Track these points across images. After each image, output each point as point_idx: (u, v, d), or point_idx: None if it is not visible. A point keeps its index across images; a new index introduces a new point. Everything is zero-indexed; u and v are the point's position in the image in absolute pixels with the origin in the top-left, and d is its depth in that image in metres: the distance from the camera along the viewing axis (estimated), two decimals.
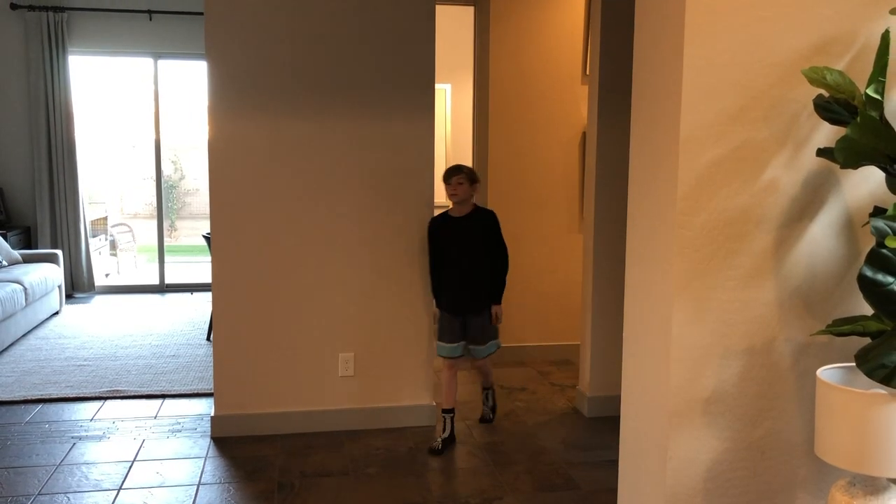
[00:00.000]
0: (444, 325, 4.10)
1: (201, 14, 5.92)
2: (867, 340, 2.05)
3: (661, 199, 2.37)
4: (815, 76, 2.09)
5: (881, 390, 1.91)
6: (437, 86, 6.81)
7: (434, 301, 4.19)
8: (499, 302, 4.13)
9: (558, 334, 5.64)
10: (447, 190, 4.00)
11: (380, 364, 4.27)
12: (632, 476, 2.64)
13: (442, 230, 4.10)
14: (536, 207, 5.54)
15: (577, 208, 5.57)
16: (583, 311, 4.69)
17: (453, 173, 4.00)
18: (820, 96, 2.16)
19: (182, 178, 13.72)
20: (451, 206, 4.09)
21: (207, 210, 4.15)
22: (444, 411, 4.09)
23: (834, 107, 2.12)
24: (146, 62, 7.98)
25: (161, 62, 7.98)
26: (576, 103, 5.50)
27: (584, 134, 5.49)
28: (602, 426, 4.37)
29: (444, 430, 4.05)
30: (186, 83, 9.14)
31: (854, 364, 1.98)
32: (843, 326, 2.06)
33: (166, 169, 13.11)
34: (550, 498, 3.50)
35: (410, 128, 4.17)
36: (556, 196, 5.57)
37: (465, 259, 4.04)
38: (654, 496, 2.44)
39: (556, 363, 5.57)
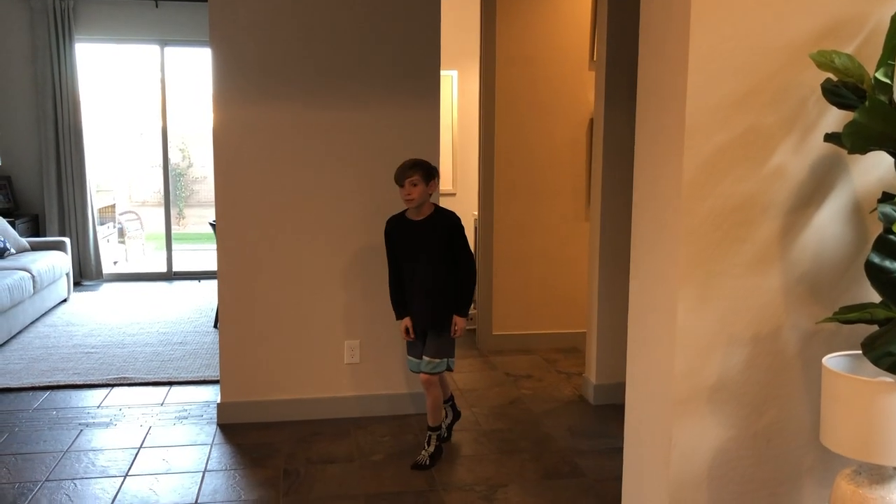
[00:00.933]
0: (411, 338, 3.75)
1: (206, 0, 5.86)
2: (874, 328, 2.03)
3: (667, 185, 2.34)
4: (823, 60, 2.06)
5: (888, 378, 1.89)
6: (443, 72, 6.77)
7: (395, 314, 3.75)
8: (464, 315, 3.66)
9: (565, 322, 5.63)
10: (400, 193, 3.54)
11: (386, 351, 4.27)
12: (636, 464, 2.63)
13: (398, 234, 3.66)
14: (543, 195, 5.52)
15: (583, 195, 5.54)
16: (589, 298, 4.67)
17: (405, 174, 3.50)
18: (828, 80, 2.13)
19: (190, 165, 13.73)
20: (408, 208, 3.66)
21: (215, 197, 4.14)
22: (430, 429, 3.74)
23: (842, 91, 2.09)
24: (153, 49, 7.97)
25: (168, 49, 7.97)
26: (583, 89, 5.46)
27: (591, 120, 5.46)
28: (608, 414, 4.36)
29: (427, 444, 3.72)
30: (194, 70, 9.12)
31: (860, 352, 1.96)
32: (850, 314, 2.03)
33: (174, 157, 13.11)
34: (556, 486, 3.49)
35: (416, 115, 4.15)
36: (562, 183, 5.54)
37: (425, 269, 3.60)
38: (659, 484, 2.43)
39: (562, 351, 5.56)
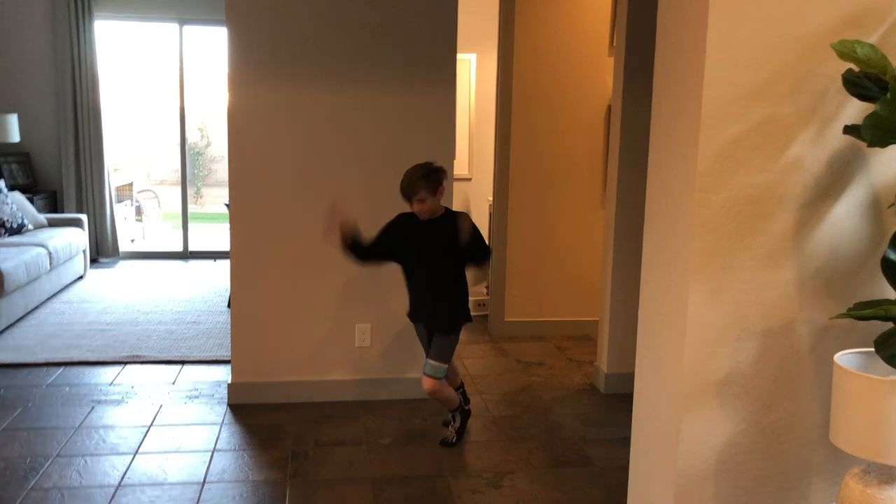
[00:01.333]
0: (422, 338, 3.82)
1: None
2: (889, 325, 1.99)
3: (681, 175, 2.31)
4: (844, 50, 2.01)
5: None
6: (461, 55, 6.71)
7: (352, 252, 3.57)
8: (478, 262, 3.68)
9: (578, 310, 5.60)
10: (411, 207, 3.51)
11: (396, 335, 4.26)
12: (643, 455, 2.61)
13: (408, 232, 3.60)
14: (559, 181, 5.47)
15: (600, 183, 5.49)
16: (602, 286, 4.64)
17: (411, 192, 3.43)
18: (849, 71, 2.08)
19: (209, 145, 13.76)
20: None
21: (229, 178, 4.13)
22: (451, 411, 3.82)
23: (864, 82, 2.04)
24: (172, 28, 7.96)
25: (186, 28, 7.95)
26: (602, 75, 5.40)
27: (609, 107, 5.40)
28: (619, 403, 4.33)
29: (453, 420, 3.81)
30: (212, 50, 9.10)
31: (874, 350, 1.93)
32: (865, 310, 2.00)
33: (193, 136, 13.14)
34: (563, 473, 3.48)
35: (431, 101, 4.11)
36: (579, 170, 5.49)
37: (433, 271, 3.60)
38: (666, 476, 2.41)
39: (574, 339, 5.53)
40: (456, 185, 4.20)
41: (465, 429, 3.82)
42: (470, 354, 5.12)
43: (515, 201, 5.45)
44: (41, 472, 3.36)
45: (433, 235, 3.57)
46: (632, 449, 2.70)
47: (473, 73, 7.00)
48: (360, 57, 4.04)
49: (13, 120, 7.20)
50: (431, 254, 3.59)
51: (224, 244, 8.46)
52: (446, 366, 3.65)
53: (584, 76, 5.39)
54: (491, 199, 5.79)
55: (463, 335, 4.03)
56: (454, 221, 3.55)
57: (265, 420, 3.99)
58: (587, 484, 3.39)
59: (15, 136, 7.21)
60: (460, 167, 6.90)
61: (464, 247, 3.53)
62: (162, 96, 9.46)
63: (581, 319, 5.59)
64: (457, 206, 4.30)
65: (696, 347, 2.28)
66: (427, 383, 3.62)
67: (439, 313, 3.63)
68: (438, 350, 3.62)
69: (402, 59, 4.07)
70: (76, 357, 4.85)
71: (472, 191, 6.82)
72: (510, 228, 5.47)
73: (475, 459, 3.62)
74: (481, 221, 6.22)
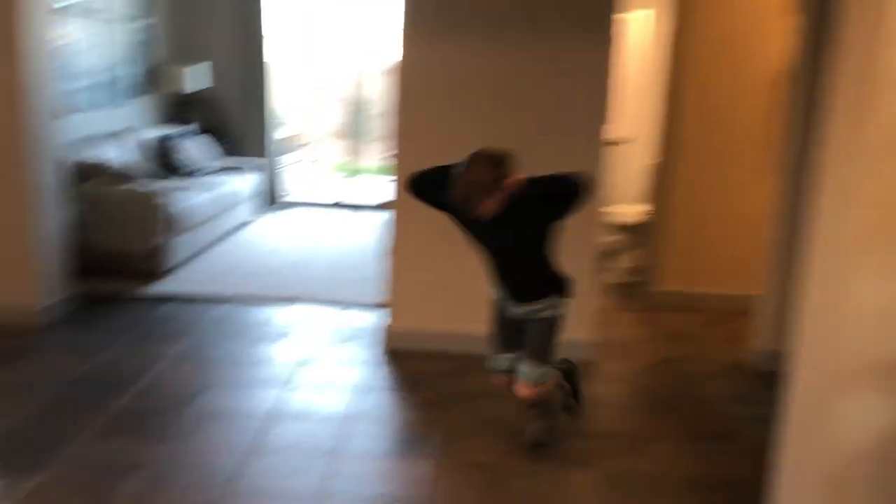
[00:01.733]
0: (498, 323, 3.23)
1: None
2: None
3: (855, 144, 2.16)
4: None
5: None
6: (639, 11, 6.48)
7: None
8: None
9: (738, 283, 5.31)
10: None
11: None
12: (794, 436, 2.50)
13: (472, 227, 3.11)
14: (730, 147, 5.18)
15: (773, 150, 5.19)
16: (766, 259, 4.41)
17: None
18: None
19: (372, 100, 14.07)
20: None
21: (395, 131, 4.24)
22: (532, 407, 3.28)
23: None
24: None
25: None
26: (784, 37, 5.07)
27: (788, 70, 5.07)
28: (771, 381, 4.13)
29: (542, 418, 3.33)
30: (382, 8, 9.28)
31: None
32: None
33: (358, 91, 13.50)
34: (702, 448, 3.39)
35: (587, 59, 4.03)
36: (752, 135, 5.18)
37: (513, 246, 3.04)
38: (816, 459, 2.31)
39: (731, 313, 5.26)
40: (615, 148, 4.09)
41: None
42: (618, 322, 5.03)
43: (681, 164, 5.23)
44: (200, 401, 3.63)
45: (503, 228, 2.93)
46: (782, 428, 2.59)
47: (651, 30, 6.72)
48: (524, 17, 4.01)
49: (206, 68, 7.66)
50: (503, 236, 3.00)
51: (384, 196, 8.68)
52: (548, 367, 3.13)
53: (762, 36, 5.07)
54: (652, 161, 5.60)
55: (611, 302, 3.95)
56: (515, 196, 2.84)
57: (415, 366, 4.12)
58: (729, 459, 3.30)
59: (207, 82, 7.68)
60: (625, 129, 6.70)
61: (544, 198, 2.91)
62: (333, 51, 9.78)
63: (740, 294, 5.29)
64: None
65: (859, 327, 2.15)
66: (523, 390, 3.09)
67: (534, 287, 3.10)
68: (535, 344, 3.10)
69: (565, 18, 3.99)
70: (240, 294, 5.16)
71: (634, 152, 6.62)
72: (672, 193, 5.27)
73: (613, 423, 3.59)
74: (636, 184, 6.04)
